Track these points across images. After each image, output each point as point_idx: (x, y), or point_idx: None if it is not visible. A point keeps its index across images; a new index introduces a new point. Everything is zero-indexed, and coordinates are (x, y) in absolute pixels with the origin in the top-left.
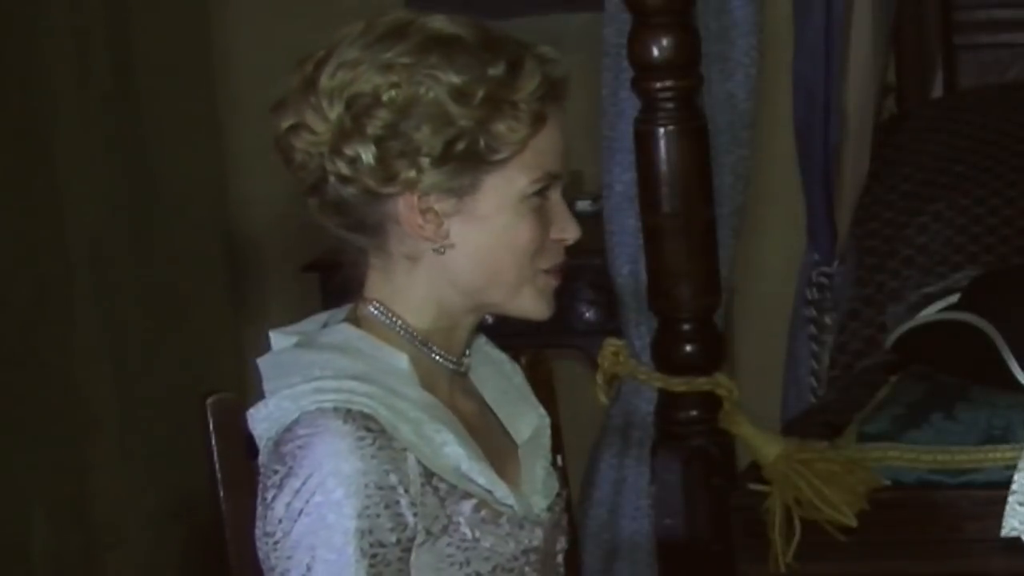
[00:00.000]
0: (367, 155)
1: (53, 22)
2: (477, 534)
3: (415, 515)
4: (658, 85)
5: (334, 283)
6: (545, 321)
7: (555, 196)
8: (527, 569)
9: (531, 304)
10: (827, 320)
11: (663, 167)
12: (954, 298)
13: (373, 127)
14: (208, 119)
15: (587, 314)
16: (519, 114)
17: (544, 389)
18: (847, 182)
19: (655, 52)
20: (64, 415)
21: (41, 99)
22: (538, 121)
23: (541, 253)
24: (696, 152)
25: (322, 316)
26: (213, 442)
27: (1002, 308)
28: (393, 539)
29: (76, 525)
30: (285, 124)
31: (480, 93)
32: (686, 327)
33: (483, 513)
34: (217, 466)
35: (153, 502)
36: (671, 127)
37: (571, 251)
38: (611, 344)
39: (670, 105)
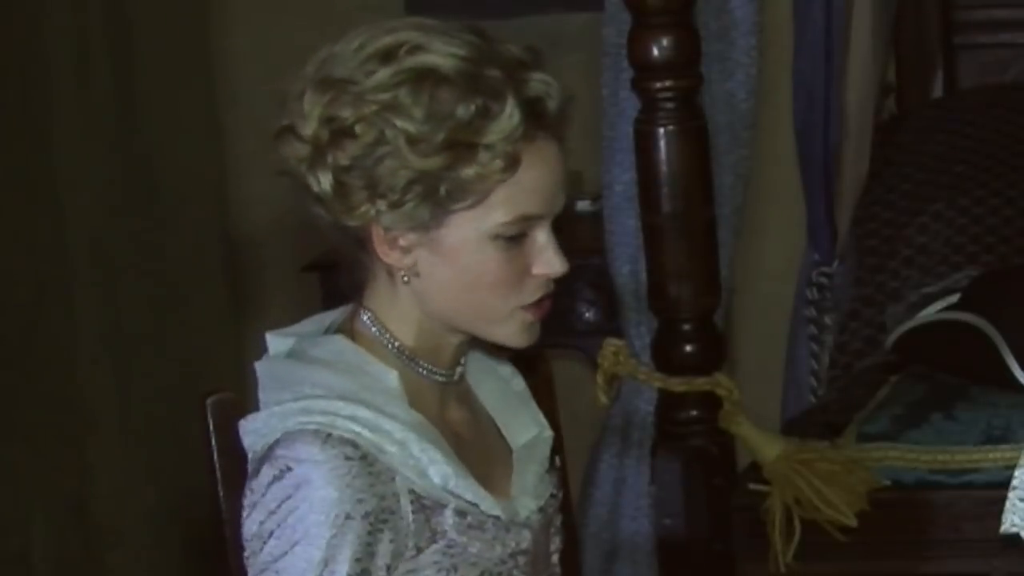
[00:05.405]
0: (326, 183)
1: (53, 22)
2: (464, 539)
3: (392, 540)
4: (658, 85)
5: (334, 283)
6: (545, 322)
7: (540, 235)
8: (515, 572)
9: (506, 336)
10: (827, 320)
11: (663, 167)
12: (954, 298)
13: (340, 157)
14: (208, 119)
15: (587, 314)
16: (486, 158)
17: (544, 389)
18: (847, 182)
19: (655, 52)
20: (64, 415)
21: (41, 99)
22: (510, 165)
23: (519, 289)
24: (696, 152)
25: (320, 317)
26: (213, 442)
27: (1002, 308)
28: (358, 569)
29: (76, 525)
30: (281, 124)
31: (439, 139)
32: (686, 327)
33: (468, 519)
34: (217, 466)
35: (153, 502)
36: (671, 127)
37: (571, 251)
38: (611, 344)
39: (670, 105)
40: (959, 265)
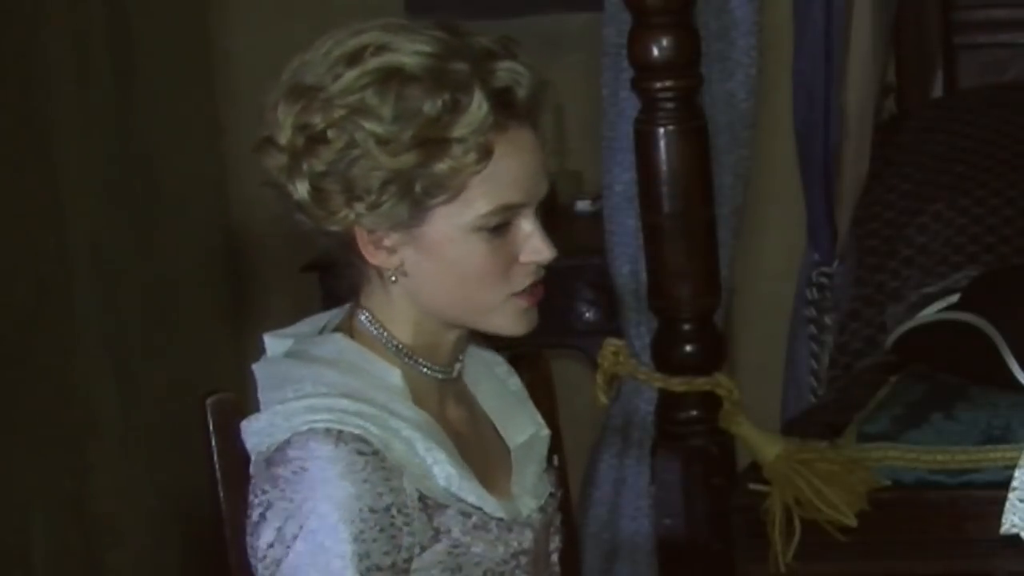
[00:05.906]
0: (303, 191)
1: (53, 22)
2: (468, 540)
3: (411, 534)
4: (658, 85)
5: (334, 283)
6: (545, 322)
7: (524, 224)
8: (517, 572)
9: (502, 325)
10: (827, 320)
11: (663, 167)
12: (954, 298)
13: (315, 164)
14: (208, 119)
15: (587, 314)
16: (458, 151)
17: (544, 389)
18: (847, 182)
19: (655, 52)
20: (64, 415)
21: (41, 99)
22: (483, 156)
23: (508, 278)
24: (696, 152)
25: (317, 318)
26: (213, 442)
27: (1002, 308)
28: (388, 562)
29: (76, 525)
30: (261, 135)
31: (408, 136)
32: (686, 327)
33: (473, 519)
34: (217, 466)
35: (153, 502)
36: (671, 127)
37: (571, 251)
38: (611, 344)
39: (670, 105)
40: (959, 265)
